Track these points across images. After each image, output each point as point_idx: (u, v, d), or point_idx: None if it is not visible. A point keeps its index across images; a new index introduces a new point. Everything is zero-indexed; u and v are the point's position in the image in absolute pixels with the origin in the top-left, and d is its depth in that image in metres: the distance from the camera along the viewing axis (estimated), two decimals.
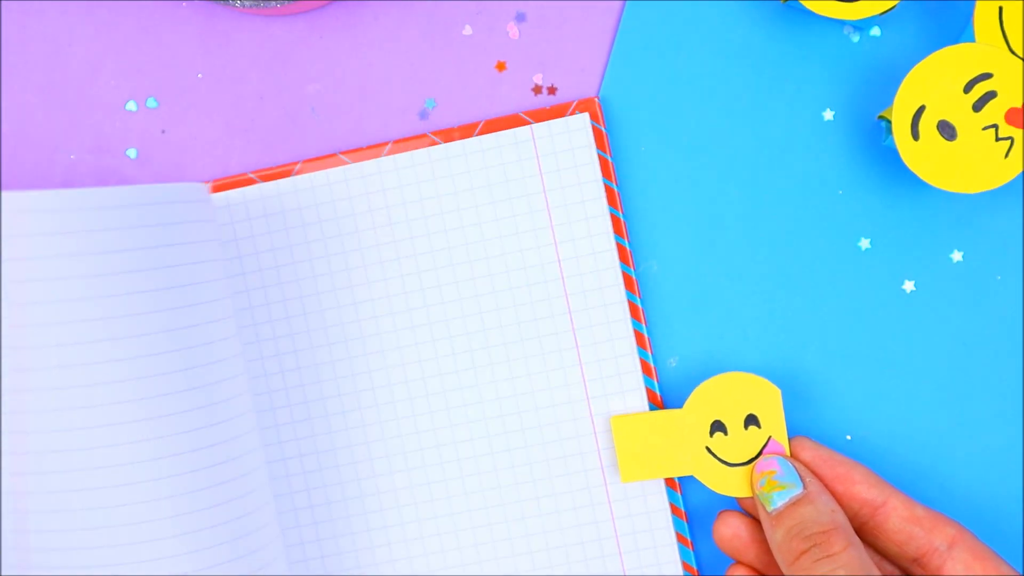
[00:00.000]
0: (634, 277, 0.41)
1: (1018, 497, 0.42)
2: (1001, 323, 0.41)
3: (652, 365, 0.41)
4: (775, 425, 0.38)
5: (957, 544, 0.36)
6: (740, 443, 0.38)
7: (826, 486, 0.37)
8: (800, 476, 0.37)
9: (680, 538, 0.40)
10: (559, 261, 0.40)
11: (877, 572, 0.34)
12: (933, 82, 0.36)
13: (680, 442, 0.39)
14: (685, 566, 0.40)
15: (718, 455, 0.39)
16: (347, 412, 0.41)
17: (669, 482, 0.40)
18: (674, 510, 0.40)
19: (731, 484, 0.39)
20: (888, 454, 0.42)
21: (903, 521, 0.37)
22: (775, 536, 0.36)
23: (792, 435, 0.40)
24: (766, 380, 0.39)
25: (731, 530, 0.38)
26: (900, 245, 0.41)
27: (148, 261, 0.36)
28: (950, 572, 0.35)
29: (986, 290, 0.41)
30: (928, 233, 0.41)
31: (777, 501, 0.36)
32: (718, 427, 0.39)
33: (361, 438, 0.41)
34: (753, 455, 0.38)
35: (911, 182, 0.41)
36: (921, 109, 0.36)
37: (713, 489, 0.39)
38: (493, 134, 0.40)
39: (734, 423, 0.39)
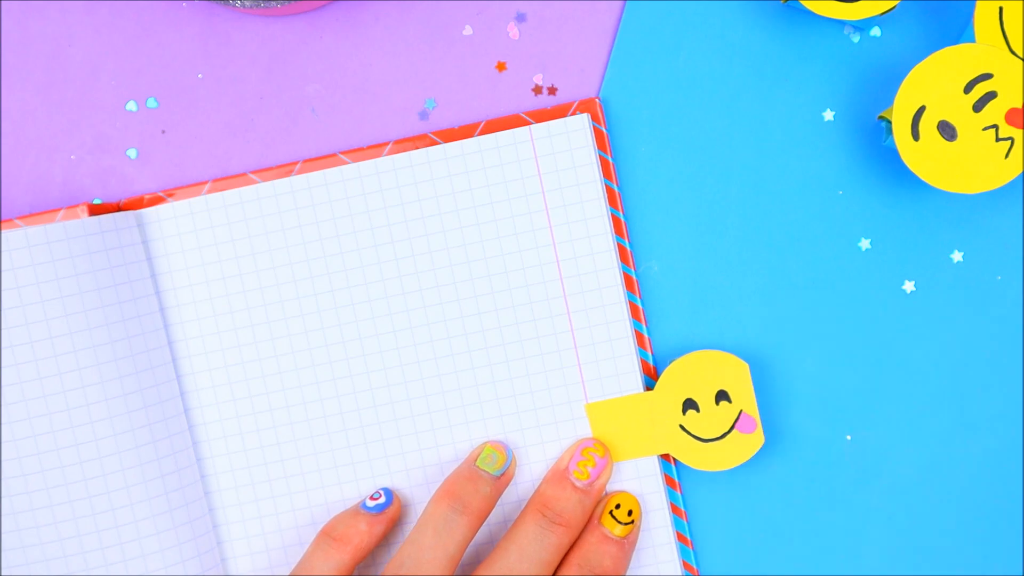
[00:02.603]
0: (634, 277, 0.41)
1: (1018, 496, 0.42)
2: (1001, 323, 0.42)
3: (652, 365, 0.41)
4: (745, 399, 0.39)
5: None
6: (713, 419, 0.39)
7: None
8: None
9: (680, 537, 0.41)
10: (558, 262, 0.40)
11: None
12: (933, 82, 0.36)
13: (654, 423, 0.40)
14: (685, 565, 0.40)
15: (692, 432, 0.39)
16: (345, 414, 0.41)
17: (669, 481, 0.41)
18: (674, 509, 0.40)
19: (707, 459, 0.39)
20: (888, 454, 0.42)
21: None
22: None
23: (791, 431, 0.40)
24: (733, 355, 0.39)
25: None
26: (900, 245, 0.41)
27: (83, 286, 0.40)
28: None
29: (986, 290, 0.41)
30: (928, 233, 0.41)
31: None
32: (690, 405, 0.40)
33: (359, 439, 0.41)
34: (726, 429, 0.39)
35: (911, 182, 0.41)
36: (921, 109, 0.36)
37: (690, 465, 0.40)
38: (492, 135, 0.41)
39: (705, 400, 0.39)
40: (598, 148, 0.40)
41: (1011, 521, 0.42)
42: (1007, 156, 0.36)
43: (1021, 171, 0.36)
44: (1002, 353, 0.42)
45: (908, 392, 0.42)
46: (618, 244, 0.41)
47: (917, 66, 0.36)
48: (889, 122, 0.38)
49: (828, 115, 0.41)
